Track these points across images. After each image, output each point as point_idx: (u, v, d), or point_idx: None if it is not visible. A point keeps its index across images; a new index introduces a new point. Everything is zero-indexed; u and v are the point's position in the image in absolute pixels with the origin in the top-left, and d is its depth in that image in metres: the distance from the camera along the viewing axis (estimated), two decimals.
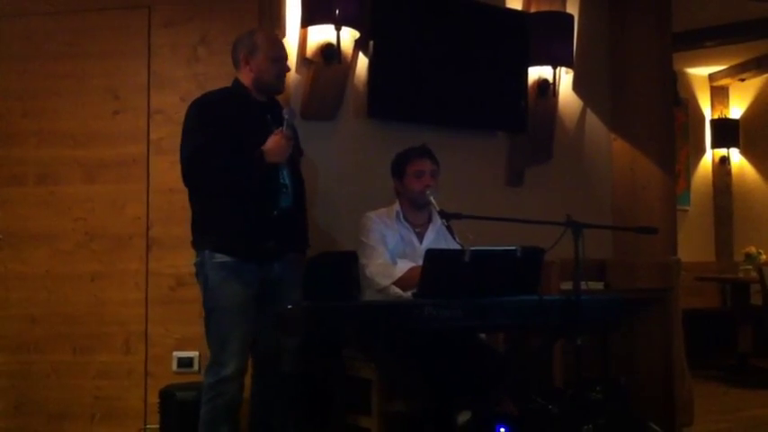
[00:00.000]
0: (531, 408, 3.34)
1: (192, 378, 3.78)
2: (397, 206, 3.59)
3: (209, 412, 3.13)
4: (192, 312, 3.86)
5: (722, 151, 7.66)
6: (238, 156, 3.08)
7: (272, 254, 3.19)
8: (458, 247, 3.21)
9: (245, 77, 3.27)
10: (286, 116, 3.17)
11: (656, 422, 3.86)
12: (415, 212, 3.58)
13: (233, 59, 3.32)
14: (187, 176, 3.16)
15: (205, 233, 3.18)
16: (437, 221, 3.52)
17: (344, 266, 3.64)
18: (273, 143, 3.10)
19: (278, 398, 3.32)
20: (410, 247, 3.52)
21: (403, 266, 3.37)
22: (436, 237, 3.56)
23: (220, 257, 3.12)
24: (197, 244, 3.21)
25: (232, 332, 3.11)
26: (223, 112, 3.17)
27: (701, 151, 7.67)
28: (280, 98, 3.43)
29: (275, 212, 3.17)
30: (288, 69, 3.38)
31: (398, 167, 3.59)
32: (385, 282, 3.34)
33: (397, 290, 3.31)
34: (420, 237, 3.57)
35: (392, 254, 3.45)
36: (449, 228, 3.30)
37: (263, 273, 3.18)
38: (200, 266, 3.19)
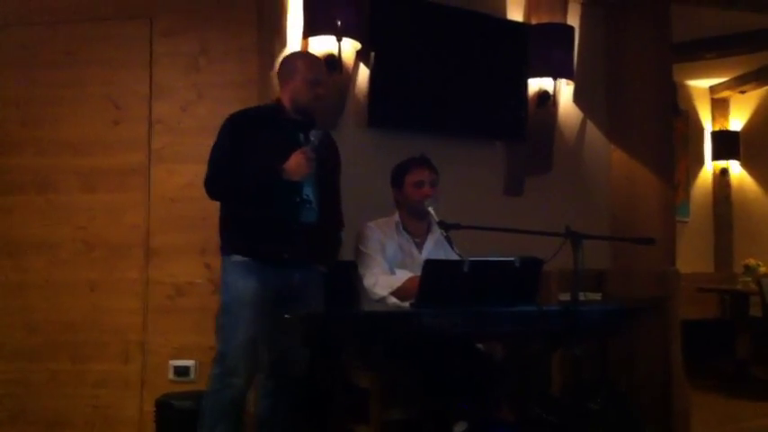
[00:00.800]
0: (528, 417, 3.33)
1: (188, 387, 3.78)
2: (396, 216, 3.59)
3: (214, 402, 3.17)
4: (191, 321, 3.88)
5: (722, 163, 7.65)
6: (256, 165, 3.13)
7: (288, 262, 3.21)
8: (457, 257, 3.20)
9: (285, 97, 3.33)
10: (312, 137, 3.21)
11: None
12: (415, 222, 3.58)
13: (278, 78, 3.38)
14: (207, 184, 3.21)
15: (227, 238, 3.26)
16: (436, 231, 3.51)
17: (344, 276, 3.64)
18: (293, 161, 3.13)
19: (282, 401, 3.35)
20: (409, 257, 3.52)
21: (401, 276, 3.37)
22: (435, 247, 3.55)
23: (238, 258, 3.19)
24: (222, 249, 3.28)
25: (240, 325, 3.14)
26: (253, 127, 3.22)
27: (701, 163, 7.65)
28: None
29: (296, 225, 3.20)
30: (325, 91, 3.38)
31: (398, 177, 3.59)
32: (383, 292, 3.34)
33: (395, 300, 3.31)
34: (419, 247, 3.56)
35: (391, 264, 3.45)
36: (447, 238, 3.30)
37: (283, 279, 3.21)
38: (222, 269, 3.27)
